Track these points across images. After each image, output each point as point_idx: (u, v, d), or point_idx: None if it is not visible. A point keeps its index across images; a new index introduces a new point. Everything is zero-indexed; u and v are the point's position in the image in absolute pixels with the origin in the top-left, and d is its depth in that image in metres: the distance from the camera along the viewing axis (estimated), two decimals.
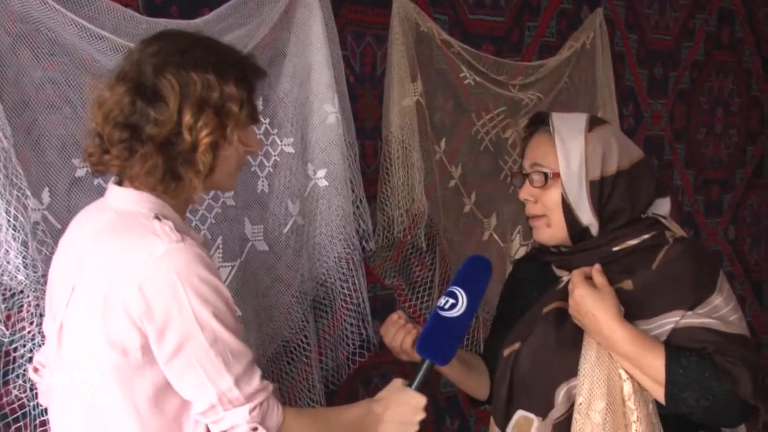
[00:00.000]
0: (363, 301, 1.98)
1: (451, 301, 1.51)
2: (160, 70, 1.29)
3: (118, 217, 1.32)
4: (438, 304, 1.52)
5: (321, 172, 1.95)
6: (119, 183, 1.36)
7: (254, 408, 1.29)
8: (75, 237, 1.38)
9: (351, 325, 1.99)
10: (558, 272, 1.60)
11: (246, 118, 1.34)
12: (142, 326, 1.25)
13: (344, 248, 1.98)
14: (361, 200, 2.01)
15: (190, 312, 1.24)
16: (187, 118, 1.27)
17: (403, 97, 2.11)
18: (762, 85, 3.34)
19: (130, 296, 1.24)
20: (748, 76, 3.27)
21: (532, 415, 1.51)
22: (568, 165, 1.52)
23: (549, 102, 2.44)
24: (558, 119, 1.55)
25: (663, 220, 1.56)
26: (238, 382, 1.28)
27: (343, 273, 1.98)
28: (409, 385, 1.46)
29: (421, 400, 1.44)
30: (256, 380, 1.30)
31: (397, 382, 1.48)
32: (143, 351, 1.26)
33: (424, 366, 1.47)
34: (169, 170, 1.30)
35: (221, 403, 1.28)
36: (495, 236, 2.39)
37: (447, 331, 1.49)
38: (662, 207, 1.59)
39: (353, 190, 1.99)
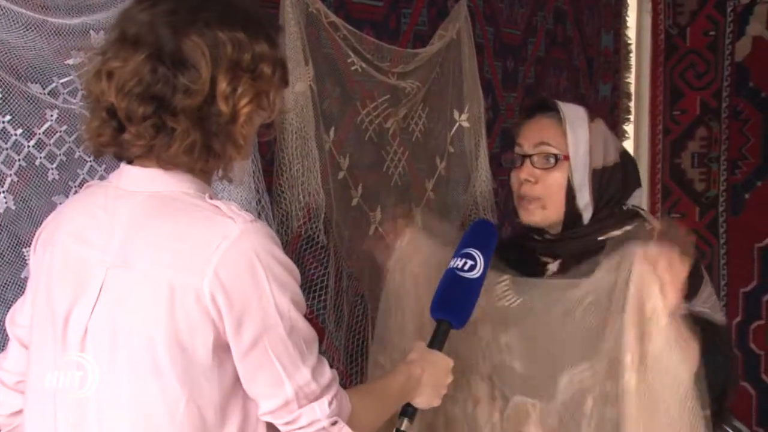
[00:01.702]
0: None
1: (470, 262, 1.47)
2: (183, 31, 1.10)
3: (160, 201, 1.11)
4: (452, 266, 1.49)
5: None
6: (130, 163, 1.14)
7: (332, 400, 1.16)
8: (83, 227, 1.17)
9: None
10: (543, 258, 1.57)
11: (280, 81, 1.16)
12: (217, 319, 1.08)
13: None
14: (262, 194, 1.85)
15: (270, 300, 1.10)
16: (223, 86, 1.09)
17: (296, 81, 1.97)
18: (586, 84, 3.51)
19: (205, 284, 1.07)
20: (577, 73, 3.42)
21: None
22: (577, 150, 1.51)
23: (425, 92, 2.40)
24: (565, 106, 1.56)
25: (641, 212, 1.59)
26: (314, 373, 1.15)
27: None
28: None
29: (450, 362, 1.42)
30: (327, 369, 1.18)
31: (422, 344, 1.43)
32: (214, 350, 1.09)
33: (442, 329, 1.44)
34: (205, 146, 1.10)
35: (297, 399, 1.14)
36: (380, 230, 2.30)
37: (466, 293, 1.46)
38: (637, 196, 1.62)
39: (254, 183, 1.83)
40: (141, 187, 1.16)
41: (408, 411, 1.41)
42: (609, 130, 1.63)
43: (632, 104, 3.85)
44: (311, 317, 2.06)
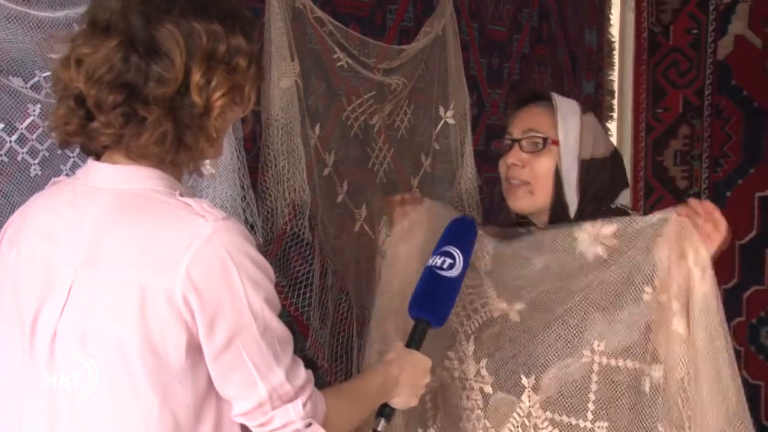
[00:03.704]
0: None
1: (449, 260, 1.46)
2: (156, 19, 1.07)
3: (129, 199, 1.09)
4: (431, 264, 1.47)
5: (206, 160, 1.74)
6: (97, 158, 1.13)
7: (306, 401, 1.14)
8: (51, 225, 1.14)
9: None
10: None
11: (256, 75, 1.14)
12: (190, 320, 1.06)
13: None
14: (247, 190, 1.83)
15: (243, 299, 1.07)
16: (197, 77, 1.07)
17: (281, 77, 1.95)
18: (570, 81, 3.51)
19: (177, 285, 1.04)
20: (561, 70, 3.42)
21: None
22: (567, 138, 1.51)
23: (410, 88, 2.39)
24: (558, 97, 1.56)
25: (630, 212, 1.59)
26: (288, 374, 1.12)
27: None
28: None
29: (428, 362, 1.41)
30: (302, 370, 1.16)
31: (400, 344, 1.42)
32: (187, 351, 1.07)
33: (421, 328, 1.42)
34: (177, 138, 1.09)
35: (271, 401, 1.11)
36: (366, 227, 2.29)
37: (445, 291, 1.44)
38: (624, 197, 1.62)
39: (239, 179, 1.81)
40: (109, 184, 1.14)
41: (385, 411, 1.39)
42: (600, 126, 1.64)
43: (615, 102, 3.86)
44: (296, 314, 2.05)
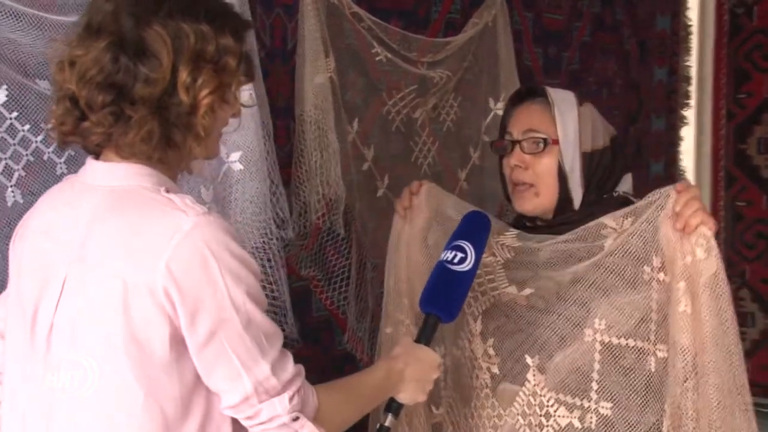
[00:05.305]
0: (283, 294, 1.83)
1: (460, 255, 1.44)
2: (145, 20, 1.10)
3: (119, 195, 1.14)
4: (443, 258, 1.46)
5: (235, 155, 1.78)
6: (96, 157, 1.18)
7: (293, 396, 1.15)
8: (50, 223, 1.18)
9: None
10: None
11: (244, 74, 1.17)
12: (172, 313, 1.08)
13: (261, 237, 1.82)
14: (277, 185, 1.85)
15: (224, 293, 1.09)
16: (184, 76, 1.10)
17: (315, 73, 1.96)
18: (638, 66, 3.40)
19: (158, 279, 1.07)
20: (627, 57, 3.32)
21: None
22: (566, 134, 1.49)
23: (456, 81, 2.37)
24: (554, 92, 1.54)
25: (632, 199, 1.56)
26: (274, 368, 1.13)
27: (261, 265, 1.82)
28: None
29: (437, 357, 1.40)
30: (290, 364, 1.17)
31: (408, 339, 1.42)
32: (171, 344, 1.09)
33: (431, 323, 1.41)
34: (164, 136, 1.12)
35: (257, 394, 1.13)
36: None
37: (456, 286, 1.43)
38: (626, 182, 1.58)
39: (269, 174, 1.84)
40: (102, 182, 1.17)
41: (392, 406, 1.39)
42: (599, 115, 1.60)
43: (692, 88, 3.71)
44: (332, 308, 2.07)
